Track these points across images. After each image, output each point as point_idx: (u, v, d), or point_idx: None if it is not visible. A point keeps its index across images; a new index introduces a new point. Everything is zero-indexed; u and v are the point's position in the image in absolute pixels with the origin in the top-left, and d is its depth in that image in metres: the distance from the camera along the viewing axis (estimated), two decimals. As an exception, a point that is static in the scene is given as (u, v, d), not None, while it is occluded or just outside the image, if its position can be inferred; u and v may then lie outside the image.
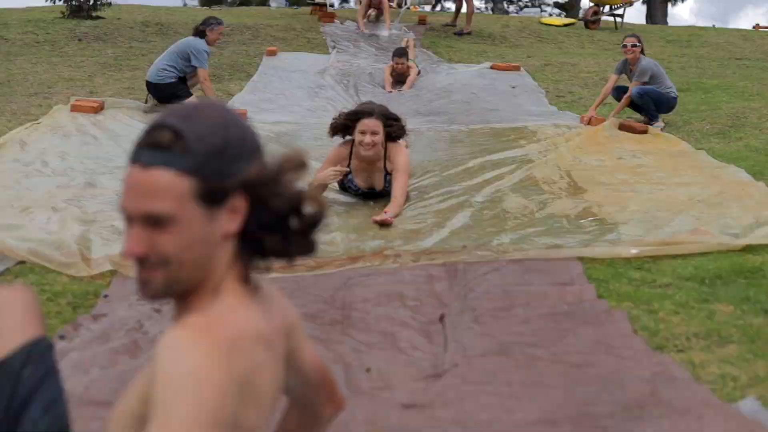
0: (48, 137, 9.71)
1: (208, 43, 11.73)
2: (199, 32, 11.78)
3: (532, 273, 5.37)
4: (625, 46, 11.39)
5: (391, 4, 21.80)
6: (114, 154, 9.17)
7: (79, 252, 5.84)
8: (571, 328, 4.33)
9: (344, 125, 7.55)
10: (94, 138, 9.89)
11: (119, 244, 6.14)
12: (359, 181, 7.61)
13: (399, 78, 14.57)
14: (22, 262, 5.72)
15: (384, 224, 6.74)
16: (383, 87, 14.37)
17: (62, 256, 5.76)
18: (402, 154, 7.42)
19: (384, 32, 18.85)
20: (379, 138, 7.25)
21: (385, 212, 6.91)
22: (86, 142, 9.70)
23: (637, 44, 11.28)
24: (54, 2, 19.48)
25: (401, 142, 7.67)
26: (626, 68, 11.51)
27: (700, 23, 78.90)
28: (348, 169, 7.46)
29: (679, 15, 59.95)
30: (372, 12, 19.70)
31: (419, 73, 15.06)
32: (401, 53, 14.60)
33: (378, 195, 7.59)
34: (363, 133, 7.24)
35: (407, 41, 17.06)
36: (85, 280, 5.49)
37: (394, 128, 7.42)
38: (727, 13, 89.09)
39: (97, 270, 5.59)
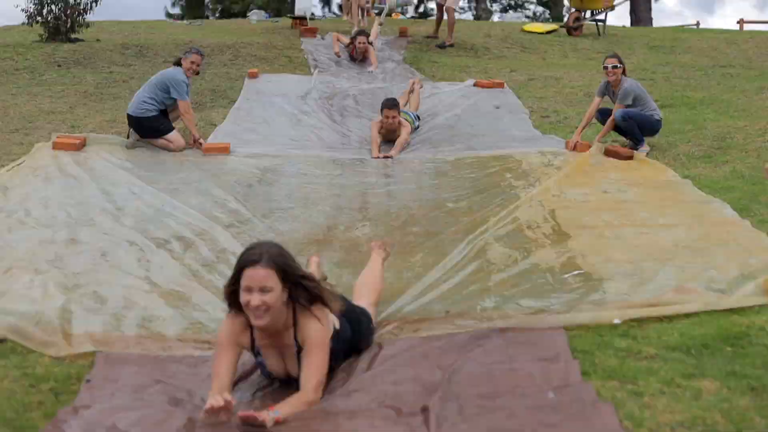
0: (30, 180, 9.70)
1: (185, 73, 11.68)
2: (178, 62, 11.76)
3: (517, 346, 5.29)
4: (606, 68, 11.35)
5: (368, 7, 21.76)
6: (95, 199, 9.16)
7: (60, 328, 5.78)
8: (557, 423, 4.27)
9: (236, 289, 4.81)
10: (76, 180, 9.82)
11: (101, 315, 6.11)
12: (271, 364, 5.08)
13: (388, 136, 12.36)
14: (2, 339, 5.66)
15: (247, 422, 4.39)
16: (370, 145, 12.13)
17: (43, 333, 5.68)
18: (314, 322, 4.89)
19: (370, 68, 17.68)
20: (274, 297, 4.69)
21: (271, 409, 4.52)
22: (69, 185, 9.64)
23: (618, 65, 11.25)
24: (32, 24, 19.36)
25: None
26: (609, 90, 11.49)
27: (686, 13, 78.85)
28: (230, 400, 4.51)
29: (665, 4, 60.09)
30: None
31: (417, 128, 13.03)
32: (392, 105, 12.29)
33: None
34: (248, 290, 4.69)
35: (413, 83, 14.68)
36: (67, 361, 5.42)
37: (296, 282, 4.86)
38: (713, 1, 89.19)
39: (78, 350, 5.52)
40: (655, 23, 44.94)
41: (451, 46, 20.33)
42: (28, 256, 7.31)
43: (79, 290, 6.57)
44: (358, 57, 18.10)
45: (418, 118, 13.35)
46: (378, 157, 11.53)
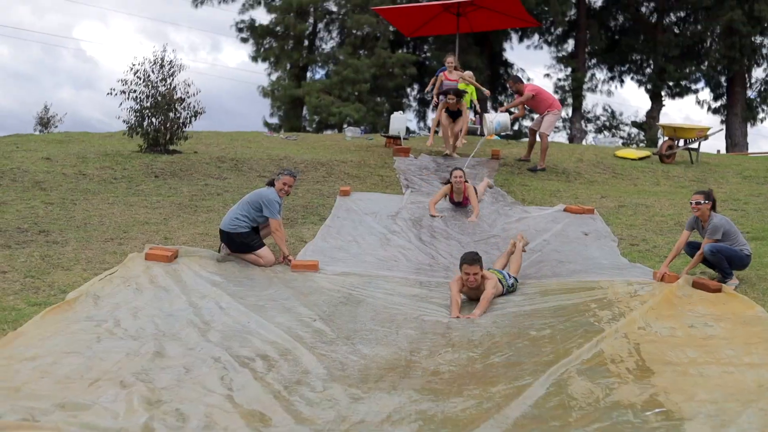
0: (122, 290, 9.88)
1: (277, 193, 12.00)
2: (271, 182, 12.05)
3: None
4: (691, 203, 11.36)
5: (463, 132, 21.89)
6: (183, 312, 9.34)
7: (142, 447, 5.87)
8: None
9: None
10: (166, 291, 10.02)
11: (182, 434, 6.19)
12: None
13: (471, 294, 10.95)
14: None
15: None
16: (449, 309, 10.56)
17: (125, 451, 5.79)
18: None
19: (470, 218, 15.57)
20: None
21: None
22: (158, 296, 9.83)
23: (702, 202, 11.24)
24: (132, 136, 19.91)
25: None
26: (698, 224, 11.48)
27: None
28: None
29: (762, 126, 60.17)
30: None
31: (511, 288, 11.37)
32: (472, 260, 10.78)
33: None
34: None
35: (515, 243, 12.78)
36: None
37: None
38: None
39: (158, 469, 5.62)
40: (752, 145, 44.78)
41: (543, 170, 20.46)
42: (115, 368, 7.43)
43: (162, 406, 6.64)
44: (457, 198, 16.23)
45: (516, 280, 11.64)
46: (458, 317, 10.12)
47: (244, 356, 7.98)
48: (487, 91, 22.73)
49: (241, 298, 10.06)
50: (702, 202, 11.26)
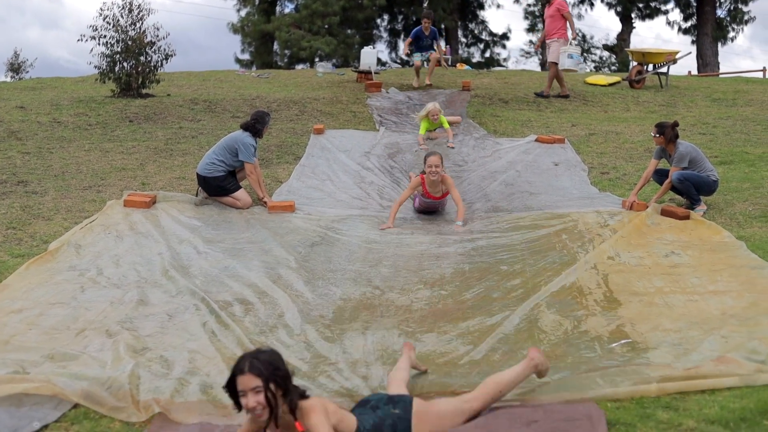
0: (102, 238, 10.04)
1: (259, 137, 12.12)
2: (248, 126, 12.12)
3: (560, 423, 5.48)
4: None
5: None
6: (164, 258, 9.50)
7: (129, 393, 6.05)
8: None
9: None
10: (146, 237, 10.16)
11: (167, 380, 6.39)
12: None
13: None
14: (77, 405, 5.97)
15: None
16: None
17: (113, 398, 5.96)
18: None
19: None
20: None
21: None
22: (139, 243, 9.98)
23: (655, 135, 11.69)
24: (104, 81, 19.93)
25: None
26: (665, 153, 11.67)
27: (755, 50, 78.44)
28: None
29: (733, 44, 60.46)
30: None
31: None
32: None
33: None
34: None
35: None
36: (137, 426, 5.73)
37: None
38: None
39: (147, 415, 5.83)
40: (724, 63, 44.68)
41: (546, 96, 20.79)
42: (100, 317, 7.64)
43: (147, 354, 6.86)
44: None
45: None
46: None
47: (223, 301, 8.18)
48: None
49: (219, 241, 10.23)
50: (654, 135, 11.59)
